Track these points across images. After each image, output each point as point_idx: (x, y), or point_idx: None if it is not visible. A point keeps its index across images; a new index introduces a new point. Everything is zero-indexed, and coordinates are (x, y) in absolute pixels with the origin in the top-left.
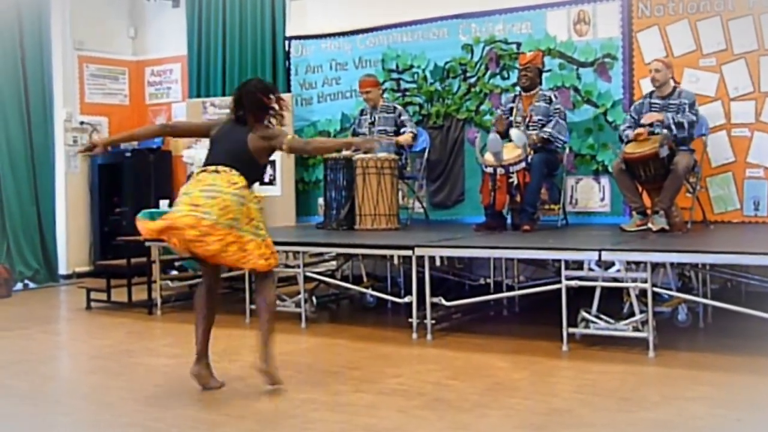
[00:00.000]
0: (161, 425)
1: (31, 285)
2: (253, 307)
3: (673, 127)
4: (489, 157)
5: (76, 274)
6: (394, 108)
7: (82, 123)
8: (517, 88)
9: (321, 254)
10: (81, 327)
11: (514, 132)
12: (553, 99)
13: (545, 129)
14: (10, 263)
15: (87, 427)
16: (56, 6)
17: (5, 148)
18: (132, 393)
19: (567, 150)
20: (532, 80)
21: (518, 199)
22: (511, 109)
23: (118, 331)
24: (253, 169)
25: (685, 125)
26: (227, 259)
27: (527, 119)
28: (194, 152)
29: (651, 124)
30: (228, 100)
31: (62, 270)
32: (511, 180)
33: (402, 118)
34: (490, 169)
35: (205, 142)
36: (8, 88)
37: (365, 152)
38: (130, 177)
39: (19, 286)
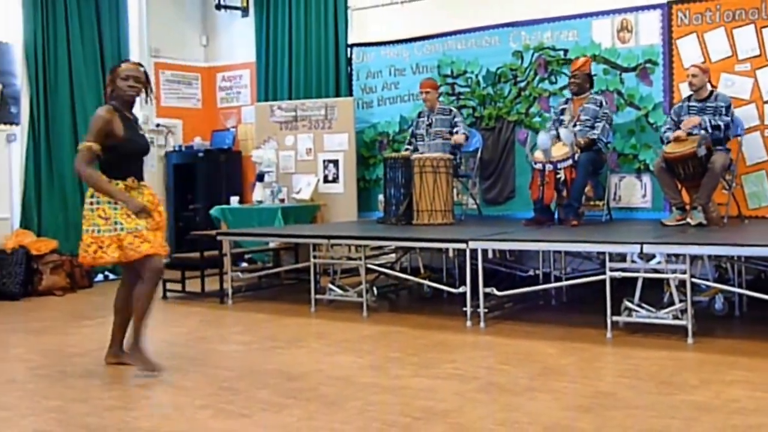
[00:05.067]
0: (233, 407)
1: (111, 276)
2: (318, 297)
3: (709, 129)
4: (539, 154)
5: None
6: (450, 110)
7: (158, 125)
8: (567, 93)
9: (381, 247)
10: (158, 315)
11: (562, 131)
12: (603, 103)
13: (593, 131)
14: None
15: (166, 409)
16: (134, 16)
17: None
18: (206, 377)
19: (611, 150)
20: (581, 86)
21: (564, 194)
22: (563, 110)
23: (192, 319)
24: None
25: (721, 127)
26: (128, 257)
27: (576, 120)
28: (262, 152)
29: (690, 133)
30: (295, 103)
31: None
32: (558, 176)
33: (456, 120)
34: (539, 166)
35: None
36: (90, 94)
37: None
38: (203, 176)
39: (100, 277)
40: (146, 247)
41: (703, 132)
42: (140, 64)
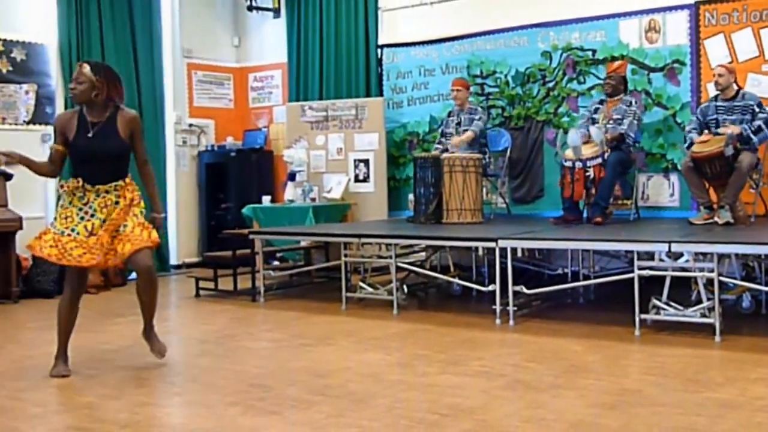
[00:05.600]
0: (263, 404)
1: None
2: (348, 294)
3: (752, 136)
4: (569, 152)
5: (185, 265)
6: (476, 110)
7: (190, 125)
8: (594, 93)
9: (411, 246)
10: (190, 313)
11: (593, 129)
12: (633, 103)
13: (620, 127)
14: None
15: (197, 406)
16: (166, 17)
17: None
18: (236, 374)
19: (639, 149)
20: (615, 87)
21: (593, 191)
22: (596, 109)
23: (224, 317)
24: None
25: (763, 127)
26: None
27: (609, 121)
28: (294, 152)
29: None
30: (325, 103)
31: (173, 261)
32: (587, 174)
33: (474, 117)
34: (569, 163)
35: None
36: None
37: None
38: (235, 175)
39: (133, 275)
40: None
41: (729, 132)
42: (88, 63)
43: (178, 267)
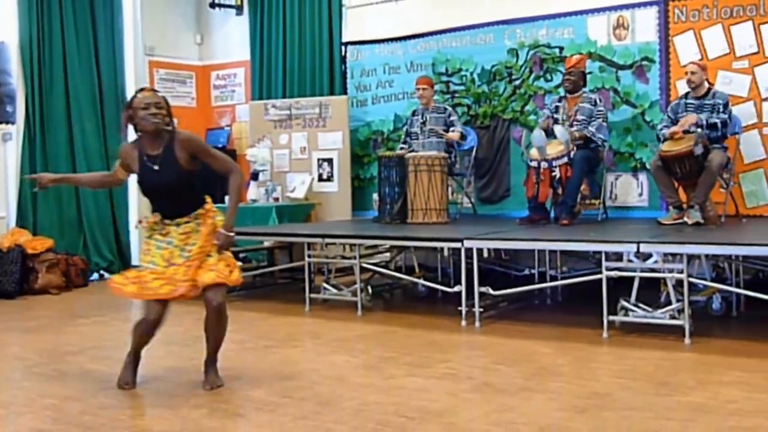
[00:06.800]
0: (228, 406)
1: (106, 275)
2: (313, 296)
3: (705, 128)
4: (534, 151)
5: None
6: (445, 109)
7: None
8: (561, 90)
9: (376, 246)
10: None
11: (557, 128)
12: (598, 102)
13: (588, 128)
14: (87, 255)
15: (161, 408)
16: (128, 15)
17: (81, 148)
18: (200, 376)
19: (607, 148)
20: (576, 83)
21: (560, 191)
22: (557, 108)
23: (188, 318)
24: None
25: (719, 125)
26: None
27: (571, 119)
28: (257, 151)
29: (687, 130)
30: (289, 102)
31: (135, 261)
32: (553, 174)
33: (451, 118)
34: (534, 163)
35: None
36: (84, 91)
37: None
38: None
39: (95, 276)
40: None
41: (699, 130)
42: (156, 90)
43: (139, 267)
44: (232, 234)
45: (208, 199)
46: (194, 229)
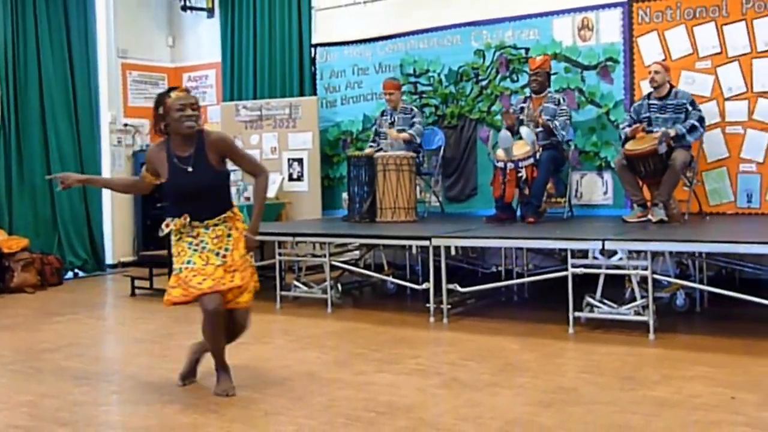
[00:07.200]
0: (201, 402)
1: (81, 274)
2: (283, 293)
3: (687, 135)
4: (500, 152)
5: (121, 264)
6: (411, 109)
7: (125, 125)
8: (527, 91)
9: (345, 245)
10: (126, 312)
11: (524, 130)
12: (561, 101)
13: (554, 122)
14: (62, 254)
15: (135, 405)
16: (101, 18)
17: (56, 149)
18: (174, 373)
19: (572, 147)
20: (542, 84)
21: (526, 191)
22: (522, 109)
23: (160, 316)
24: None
25: (697, 125)
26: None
27: (536, 119)
28: None
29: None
30: (259, 103)
31: (109, 260)
32: (520, 174)
33: (414, 119)
34: (500, 164)
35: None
36: (58, 94)
37: None
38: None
39: (70, 275)
40: (200, 282)
41: (672, 132)
42: (188, 90)
43: (113, 266)
44: (257, 239)
45: (234, 201)
46: (225, 233)
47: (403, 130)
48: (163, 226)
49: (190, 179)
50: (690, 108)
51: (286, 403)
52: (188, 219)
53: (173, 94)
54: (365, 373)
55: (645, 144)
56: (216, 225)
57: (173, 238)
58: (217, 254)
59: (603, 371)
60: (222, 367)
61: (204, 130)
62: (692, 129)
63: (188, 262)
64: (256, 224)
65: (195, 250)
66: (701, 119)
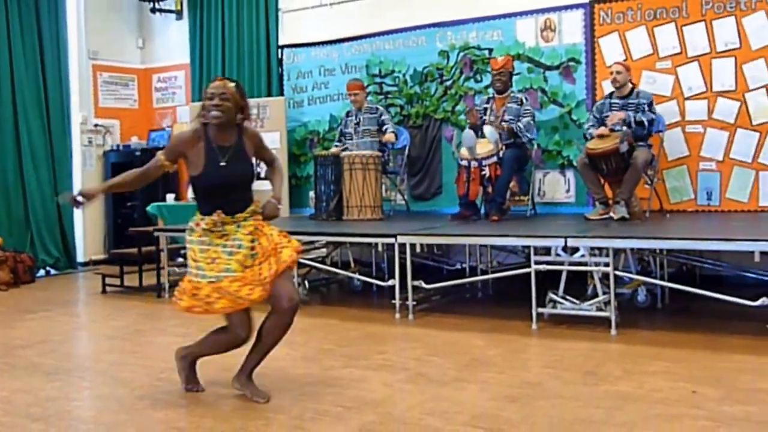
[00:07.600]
0: (171, 398)
1: (53, 272)
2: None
3: (633, 125)
4: (464, 151)
5: (92, 262)
6: (376, 109)
7: (96, 125)
8: (490, 91)
9: (312, 242)
10: (98, 309)
11: (487, 129)
12: (524, 101)
13: (517, 124)
14: (34, 252)
15: (107, 400)
16: (72, 20)
17: (28, 149)
18: (145, 369)
19: (535, 146)
20: (505, 84)
21: (490, 190)
22: (485, 109)
23: (131, 313)
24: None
25: (645, 123)
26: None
27: (500, 119)
28: None
29: (613, 129)
30: None
31: (80, 258)
32: (483, 172)
33: (383, 118)
34: (464, 162)
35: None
36: (30, 95)
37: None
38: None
39: (42, 272)
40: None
41: (626, 128)
42: (231, 80)
43: (85, 264)
44: (280, 206)
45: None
46: (254, 228)
47: (369, 130)
48: (193, 225)
49: (226, 171)
50: (647, 108)
51: None
52: (221, 214)
53: (211, 84)
54: (333, 369)
55: (607, 143)
56: (245, 219)
57: (194, 237)
58: (251, 251)
59: (566, 366)
60: (192, 363)
61: (244, 125)
62: (640, 123)
63: (227, 270)
64: (279, 192)
65: (231, 254)
66: (651, 121)
